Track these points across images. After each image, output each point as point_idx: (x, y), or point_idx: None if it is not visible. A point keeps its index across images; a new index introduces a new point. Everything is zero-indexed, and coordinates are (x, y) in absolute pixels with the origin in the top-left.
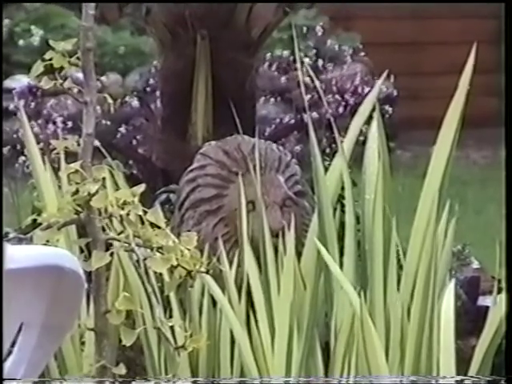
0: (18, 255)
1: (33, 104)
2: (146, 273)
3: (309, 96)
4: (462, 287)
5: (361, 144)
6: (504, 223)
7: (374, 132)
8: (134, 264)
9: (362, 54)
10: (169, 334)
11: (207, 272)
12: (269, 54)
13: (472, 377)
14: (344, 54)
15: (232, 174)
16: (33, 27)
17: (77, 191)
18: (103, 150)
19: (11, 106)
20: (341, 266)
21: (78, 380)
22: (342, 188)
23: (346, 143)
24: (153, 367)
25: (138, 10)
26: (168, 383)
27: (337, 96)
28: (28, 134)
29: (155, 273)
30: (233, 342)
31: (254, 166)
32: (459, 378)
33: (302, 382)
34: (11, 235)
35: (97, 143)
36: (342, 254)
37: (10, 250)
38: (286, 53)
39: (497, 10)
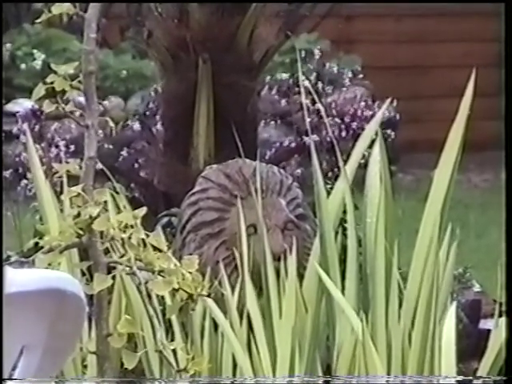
0: (20, 278)
1: (36, 127)
2: (148, 296)
3: (310, 119)
4: (464, 310)
5: (363, 167)
6: (504, 246)
7: (376, 155)
8: (137, 286)
9: (363, 77)
10: (171, 357)
11: (209, 295)
12: (270, 78)
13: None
14: (345, 78)
15: (233, 197)
16: (35, 51)
17: (78, 214)
18: (107, 173)
19: (14, 130)
20: (343, 289)
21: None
22: (344, 211)
23: (349, 167)
24: None
25: (139, 33)
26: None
27: (336, 119)
28: (32, 157)
29: (157, 296)
30: (234, 365)
31: (256, 190)
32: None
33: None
34: (13, 258)
35: (100, 166)
36: (343, 277)
37: (12, 273)
38: (287, 76)
39: (499, 33)
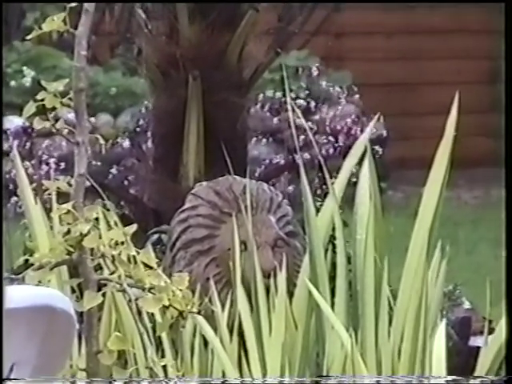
0: (10, 295)
1: (27, 144)
2: (139, 313)
3: (300, 137)
4: (454, 327)
5: (352, 185)
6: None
7: (366, 173)
8: (127, 303)
9: (354, 94)
10: (161, 374)
11: (199, 312)
12: (260, 95)
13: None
14: (335, 95)
15: (223, 214)
16: (24, 68)
17: (69, 231)
18: (97, 190)
19: (4, 147)
20: (332, 306)
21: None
22: (334, 228)
23: (338, 184)
24: None
25: (129, 50)
26: None
27: (327, 136)
28: (21, 175)
29: (147, 313)
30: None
31: (246, 207)
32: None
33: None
34: (3, 275)
35: (90, 183)
36: (333, 294)
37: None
38: (277, 93)
39: (489, 51)
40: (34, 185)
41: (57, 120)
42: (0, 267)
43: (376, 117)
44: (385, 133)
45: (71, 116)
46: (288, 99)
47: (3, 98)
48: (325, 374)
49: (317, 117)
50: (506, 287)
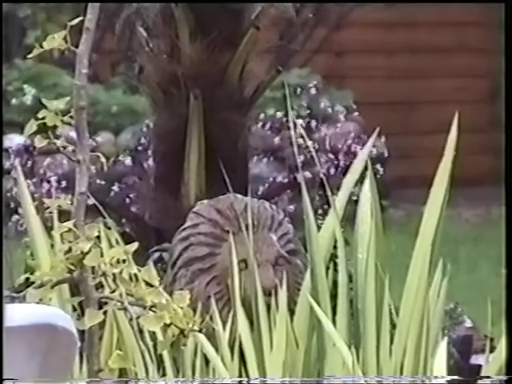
0: (11, 314)
1: (28, 163)
2: (140, 331)
3: (302, 155)
4: (455, 346)
5: (353, 203)
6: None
7: (367, 191)
8: (129, 322)
9: (355, 113)
10: None
11: (200, 330)
12: (262, 114)
13: (473, 378)
14: (337, 113)
15: (225, 232)
16: (25, 86)
17: (70, 250)
18: (99, 208)
19: (6, 165)
20: (333, 324)
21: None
22: (335, 247)
23: (338, 201)
24: None
25: (130, 68)
26: None
27: (328, 155)
28: (23, 193)
29: (149, 331)
30: None
31: (247, 225)
32: (459, 378)
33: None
34: (4, 294)
35: (92, 201)
36: (334, 312)
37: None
38: (278, 112)
39: (490, 69)
40: (36, 203)
41: (58, 138)
42: (0, 283)
43: (376, 132)
44: (386, 151)
45: (72, 134)
46: (290, 117)
47: (4, 117)
48: None
49: (317, 135)
50: (506, 305)
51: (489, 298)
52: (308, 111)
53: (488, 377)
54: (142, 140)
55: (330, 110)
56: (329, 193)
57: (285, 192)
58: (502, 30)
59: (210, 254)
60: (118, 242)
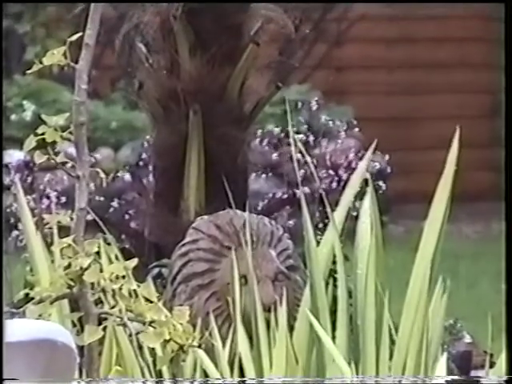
0: (11, 329)
1: (28, 178)
2: (139, 347)
3: (301, 171)
4: (454, 361)
5: (353, 219)
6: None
7: (367, 207)
8: (128, 337)
9: (355, 128)
10: None
11: (199, 346)
12: (261, 129)
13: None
14: (337, 129)
15: (224, 248)
16: (25, 102)
17: (69, 265)
18: (99, 223)
19: (5, 181)
20: (333, 339)
21: (81, 380)
22: (334, 262)
23: (338, 215)
24: None
25: (130, 84)
26: None
27: (327, 170)
28: (23, 208)
29: (148, 347)
30: None
31: (246, 241)
32: (459, 378)
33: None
34: (4, 309)
35: (91, 217)
36: (334, 328)
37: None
38: (278, 128)
39: (491, 85)
40: (35, 219)
41: (57, 154)
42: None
43: (374, 144)
44: (386, 167)
45: (72, 150)
46: (290, 133)
47: (4, 132)
48: None
49: (317, 151)
50: (506, 321)
51: (489, 314)
52: (308, 127)
53: (488, 377)
54: (142, 156)
55: (330, 125)
56: (328, 208)
57: (284, 208)
58: (503, 46)
59: (209, 270)
60: (117, 258)
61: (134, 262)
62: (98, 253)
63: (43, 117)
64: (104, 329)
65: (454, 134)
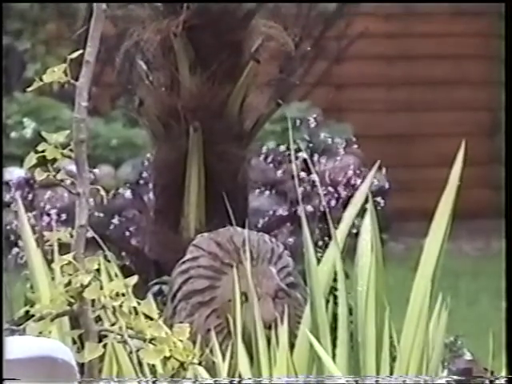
0: (11, 346)
1: (29, 196)
2: (140, 364)
3: (302, 188)
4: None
5: (354, 236)
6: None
7: (367, 224)
8: (128, 355)
9: (355, 146)
10: None
11: (200, 363)
12: (262, 147)
13: (472, 378)
14: (336, 146)
15: (224, 265)
16: (25, 119)
17: (69, 283)
18: (100, 241)
19: (6, 198)
20: (334, 357)
21: (81, 380)
22: (335, 280)
23: (339, 234)
24: None
25: (130, 101)
26: None
27: (327, 188)
28: (24, 225)
29: (148, 364)
30: None
31: (247, 258)
32: (458, 378)
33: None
34: (4, 327)
35: (91, 234)
36: (334, 345)
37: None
38: (279, 145)
39: (490, 102)
40: (36, 236)
41: (58, 171)
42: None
43: (376, 165)
44: (386, 184)
45: (72, 167)
46: (291, 150)
47: (4, 150)
48: None
49: (317, 168)
50: (506, 338)
51: (490, 332)
52: (307, 144)
53: (488, 377)
54: (142, 173)
55: (329, 142)
56: (331, 225)
57: (284, 225)
58: (502, 62)
59: (209, 287)
60: (117, 275)
61: (135, 279)
62: (98, 270)
63: (43, 134)
64: (104, 346)
65: (453, 150)
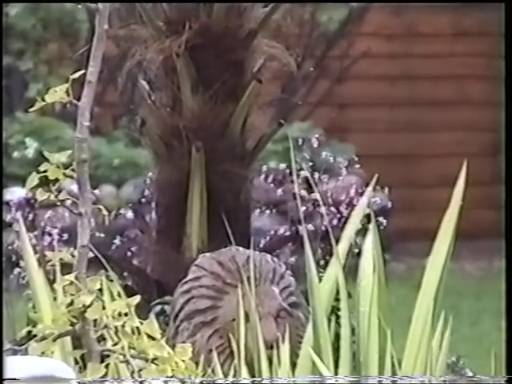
0: (13, 366)
1: (29, 216)
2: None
3: (304, 208)
4: None
5: (356, 256)
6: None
7: (369, 244)
8: (131, 374)
9: (357, 165)
10: None
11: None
12: (264, 166)
13: (472, 377)
14: (339, 166)
15: (226, 285)
16: (27, 139)
17: (72, 303)
18: (102, 260)
19: (7, 218)
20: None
21: (80, 380)
22: (337, 299)
23: (340, 251)
24: None
25: (132, 121)
26: None
27: (331, 208)
28: (25, 245)
29: None
30: None
31: (249, 278)
32: (458, 378)
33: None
34: (6, 347)
35: (95, 253)
36: (337, 365)
37: (6, 361)
38: (280, 165)
39: (492, 123)
40: (37, 256)
41: (60, 191)
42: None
43: (375, 179)
44: (388, 204)
45: (74, 187)
46: (293, 170)
47: (6, 170)
48: None
49: (319, 188)
50: (506, 359)
51: (492, 352)
52: (310, 164)
53: (488, 377)
54: (144, 193)
55: (331, 162)
56: (333, 243)
57: (286, 245)
58: (503, 83)
59: (211, 307)
60: (119, 295)
61: (137, 299)
62: (100, 290)
63: (45, 154)
64: (106, 366)
65: (456, 171)
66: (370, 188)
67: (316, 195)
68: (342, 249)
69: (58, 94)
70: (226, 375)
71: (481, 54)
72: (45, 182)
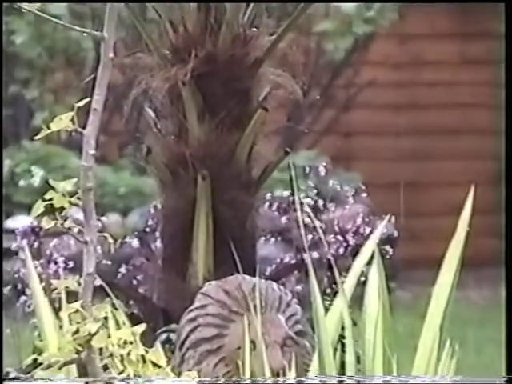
0: None
1: (35, 244)
2: None
3: (309, 236)
4: None
5: (361, 284)
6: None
7: (375, 272)
8: None
9: (363, 194)
10: None
11: None
12: (269, 194)
13: (472, 378)
14: (346, 195)
15: (232, 313)
16: (33, 167)
17: (77, 331)
18: (107, 289)
19: (13, 246)
20: None
21: (80, 380)
22: (343, 328)
23: (347, 283)
24: None
25: (138, 150)
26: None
27: (338, 236)
28: (31, 273)
29: None
30: None
31: (255, 306)
32: (458, 378)
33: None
34: (12, 375)
35: (101, 281)
36: None
37: None
38: (286, 193)
39: (496, 151)
40: (43, 284)
41: (65, 219)
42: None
43: (387, 217)
44: (394, 232)
45: (80, 215)
46: (296, 199)
47: (12, 198)
48: None
49: (325, 216)
50: (506, 338)
51: (497, 380)
52: (316, 192)
53: (488, 377)
54: (150, 221)
55: (338, 191)
56: (337, 275)
57: (292, 273)
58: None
59: (217, 335)
60: (125, 323)
61: (142, 327)
62: (106, 318)
63: (51, 182)
64: None
65: (461, 199)
66: (382, 224)
67: (318, 223)
68: (349, 282)
69: (63, 122)
70: None
71: (486, 83)
72: (50, 210)
